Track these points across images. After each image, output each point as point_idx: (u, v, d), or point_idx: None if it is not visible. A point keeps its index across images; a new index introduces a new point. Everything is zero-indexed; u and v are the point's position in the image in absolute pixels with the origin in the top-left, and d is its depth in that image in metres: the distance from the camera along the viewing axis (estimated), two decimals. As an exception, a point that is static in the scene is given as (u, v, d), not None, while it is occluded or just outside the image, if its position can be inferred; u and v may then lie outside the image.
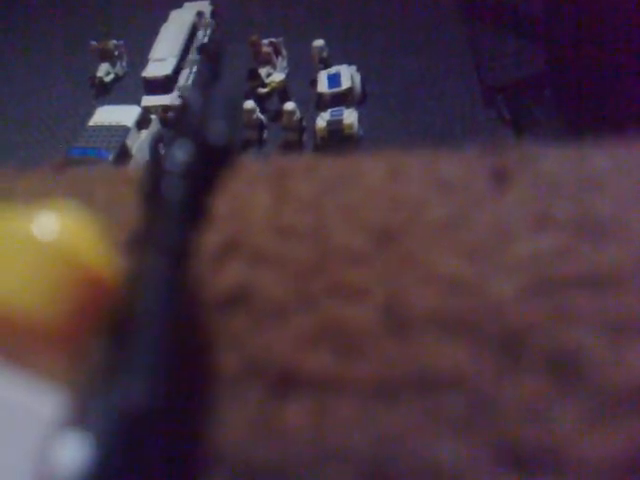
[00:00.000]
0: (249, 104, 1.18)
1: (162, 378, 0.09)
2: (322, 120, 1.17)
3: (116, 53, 1.42)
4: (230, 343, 0.12)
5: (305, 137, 1.20)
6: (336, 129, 1.17)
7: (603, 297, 0.12)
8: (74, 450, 0.08)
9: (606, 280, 0.12)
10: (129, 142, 1.17)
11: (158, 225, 0.11)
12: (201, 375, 0.12)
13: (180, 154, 0.11)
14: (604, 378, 0.11)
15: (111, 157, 1.12)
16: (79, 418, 0.08)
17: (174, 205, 0.11)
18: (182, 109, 0.13)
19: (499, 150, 0.16)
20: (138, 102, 1.29)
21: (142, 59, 1.38)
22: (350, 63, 1.26)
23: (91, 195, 0.17)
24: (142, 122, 1.22)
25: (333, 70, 1.24)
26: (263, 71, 1.29)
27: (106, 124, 1.20)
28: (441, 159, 0.16)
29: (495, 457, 0.10)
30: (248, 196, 0.16)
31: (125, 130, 1.18)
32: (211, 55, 0.15)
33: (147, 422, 0.09)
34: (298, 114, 1.18)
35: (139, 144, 1.19)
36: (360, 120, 1.18)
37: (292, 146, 1.18)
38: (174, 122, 0.13)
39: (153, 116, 1.26)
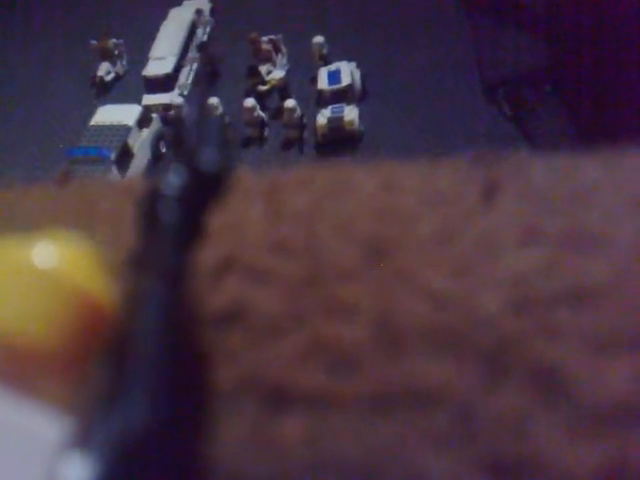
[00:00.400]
0: (249, 102, 1.18)
1: (161, 399, 0.09)
2: (323, 117, 1.17)
3: (116, 52, 1.43)
4: (225, 359, 0.13)
5: (306, 134, 1.20)
6: (337, 126, 1.17)
7: (587, 313, 0.12)
8: (78, 472, 0.08)
9: (590, 296, 0.12)
10: (130, 141, 1.17)
11: (154, 248, 0.11)
12: (196, 390, 0.12)
13: (175, 178, 0.11)
14: (586, 393, 0.11)
15: (113, 156, 1.12)
16: (82, 441, 0.09)
17: (169, 227, 0.11)
18: (177, 127, 0.13)
19: (490, 161, 0.16)
20: (139, 101, 1.30)
21: (142, 58, 1.38)
22: (350, 60, 1.26)
23: (94, 210, 0.17)
24: (143, 121, 1.23)
25: (333, 67, 1.24)
26: (263, 69, 1.29)
27: (107, 123, 1.20)
28: (433, 171, 0.16)
29: (479, 470, 0.10)
30: (242, 211, 0.16)
31: (126, 129, 1.18)
32: (207, 71, 0.15)
33: (148, 443, 0.09)
34: (299, 111, 1.18)
35: (140, 143, 1.20)
36: (361, 117, 1.18)
37: (293, 144, 1.19)
38: (171, 139, 0.13)
39: (154, 115, 1.26)
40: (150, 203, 0.11)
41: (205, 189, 0.11)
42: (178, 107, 1.22)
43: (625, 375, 0.11)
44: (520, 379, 0.11)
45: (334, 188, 0.16)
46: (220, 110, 1.20)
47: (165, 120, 1.25)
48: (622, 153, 0.15)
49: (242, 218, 0.16)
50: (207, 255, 0.14)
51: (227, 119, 1.21)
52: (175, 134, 0.13)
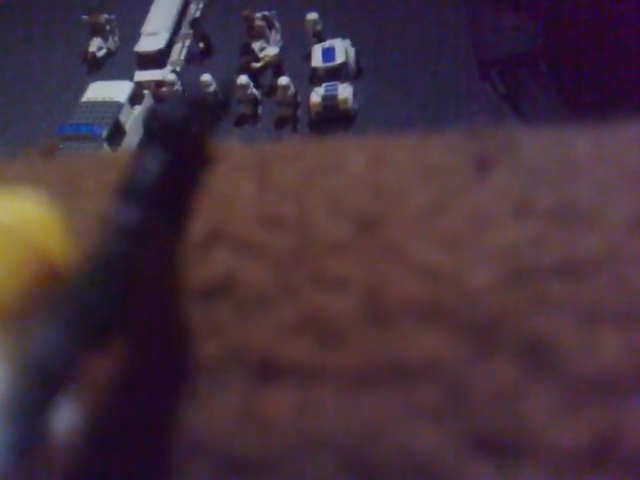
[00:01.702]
0: (243, 79, 1.17)
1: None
2: (317, 95, 1.16)
3: (108, 27, 1.41)
4: (213, 332, 0.13)
5: (299, 112, 1.19)
6: (331, 104, 1.16)
7: (577, 285, 0.12)
8: None
9: (581, 268, 0.12)
10: (122, 118, 1.16)
11: (121, 201, 0.11)
12: (183, 364, 0.12)
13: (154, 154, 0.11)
14: (575, 365, 0.11)
15: (104, 133, 1.11)
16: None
17: (140, 181, 0.11)
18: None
19: (482, 135, 0.16)
20: (131, 77, 1.28)
21: (134, 33, 1.37)
22: (344, 37, 1.25)
23: (79, 183, 0.17)
24: (135, 97, 1.22)
25: (327, 44, 1.23)
26: (256, 45, 1.28)
27: (99, 100, 1.19)
28: (424, 145, 0.16)
29: (468, 443, 0.10)
30: (232, 184, 0.16)
31: (118, 106, 1.17)
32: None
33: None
34: (292, 89, 1.18)
35: (132, 120, 1.19)
36: (355, 95, 1.18)
37: (286, 122, 1.18)
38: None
39: (146, 91, 1.25)
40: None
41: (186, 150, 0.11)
42: (170, 84, 1.21)
43: (615, 347, 0.11)
44: (510, 352, 0.11)
45: (324, 162, 0.16)
46: (213, 87, 1.19)
47: (157, 97, 1.24)
48: (614, 127, 0.15)
49: (232, 191, 0.16)
50: (196, 227, 0.14)
51: (220, 96, 1.20)
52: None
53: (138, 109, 1.20)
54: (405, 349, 0.12)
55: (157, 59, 1.28)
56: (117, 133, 1.13)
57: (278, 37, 1.32)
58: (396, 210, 0.14)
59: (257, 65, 1.26)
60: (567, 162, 0.15)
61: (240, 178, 0.16)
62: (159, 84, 1.25)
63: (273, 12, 1.32)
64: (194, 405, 0.12)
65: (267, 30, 1.29)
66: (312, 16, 1.26)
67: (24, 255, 0.11)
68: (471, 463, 0.10)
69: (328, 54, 1.20)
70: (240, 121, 1.19)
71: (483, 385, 0.11)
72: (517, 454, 0.10)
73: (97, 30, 1.39)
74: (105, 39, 1.39)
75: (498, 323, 0.12)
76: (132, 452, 0.11)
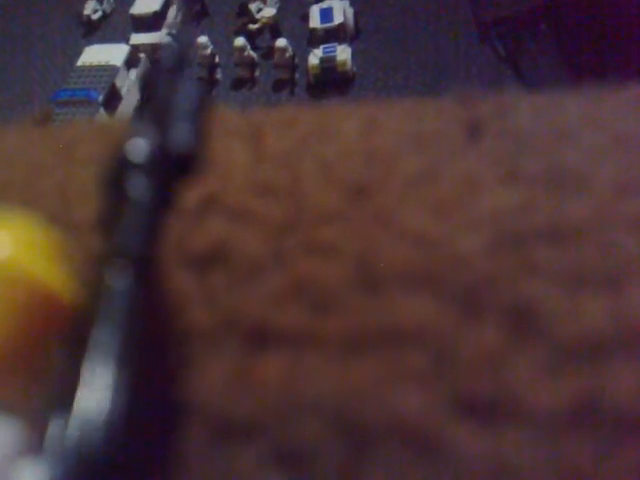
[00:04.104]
0: (240, 41, 1.15)
1: (120, 405, 0.09)
2: (315, 57, 1.15)
3: (102, -11, 1.38)
4: (207, 299, 0.13)
5: (297, 75, 1.18)
6: (329, 66, 1.15)
7: (564, 251, 0.12)
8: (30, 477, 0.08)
9: (568, 234, 0.12)
10: (118, 82, 1.15)
11: (121, 229, 0.10)
12: (177, 330, 0.12)
13: (143, 149, 0.11)
14: (561, 330, 0.11)
15: (100, 98, 1.10)
16: (37, 446, 0.08)
17: (137, 203, 0.10)
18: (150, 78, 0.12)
19: (474, 101, 0.16)
20: (127, 40, 1.26)
21: (129, -5, 1.34)
22: (342, -3, 1.22)
23: (72, 152, 0.17)
24: (131, 61, 1.20)
25: (325, 4, 1.21)
26: (253, 6, 1.26)
27: (95, 64, 1.17)
28: (417, 111, 0.16)
29: (453, 405, 0.11)
30: (225, 151, 0.16)
31: (114, 70, 1.16)
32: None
33: (105, 467, 0.08)
34: (290, 51, 1.16)
35: (129, 84, 1.17)
36: (354, 57, 1.16)
37: (284, 85, 1.17)
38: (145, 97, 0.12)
39: (142, 55, 1.23)
40: (116, 175, 0.11)
41: (174, 168, 0.11)
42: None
43: (600, 312, 0.11)
44: (497, 316, 0.12)
45: (317, 129, 0.16)
46: (210, 50, 1.17)
47: (153, 61, 1.23)
48: (605, 90, 0.15)
49: (225, 159, 0.16)
50: (189, 195, 0.14)
51: (217, 59, 1.19)
52: (147, 85, 0.12)
53: (134, 73, 1.19)
54: (394, 314, 0.12)
55: (153, 21, 1.26)
56: (113, 98, 1.12)
57: (275, -2, 1.30)
58: (388, 177, 0.14)
59: (254, 26, 1.24)
60: (557, 127, 0.15)
61: (234, 146, 0.16)
62: (155, 47, 1.23)
63: (270, -28, 1.30)
64: (189, 370, 0.12)
65: (264, -10, 1.27)
66: (309, -24, 1.24)
67: (22, 291, 0.09)
68: (456, 424, 0.11)
69: (326, 14, 1.18)
70: (237, 84, 1.17)
71: (468, 349, 0.11)
72: (501, 415, 0.11)
73: (91, -8, 1.37)
74: (100, 1, 1.37)
75: (485, 288, 0.12)
76: (127, 419, 0.11)
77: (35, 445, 0.08)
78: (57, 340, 0.09)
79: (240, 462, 0.11)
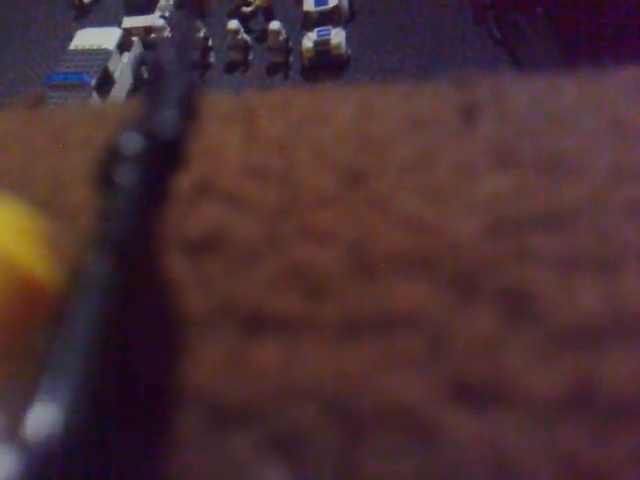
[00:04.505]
0: (233, 24, 1.15)
1: (84, 402, 0.08)
2: (309, 40, 1.14)
3: (94, -29, 1.37)
4: (201, 285, 0.13)
5: (291, 58, 1.17)
6: (323, 50, 1.14)
7: (559, 236, 0.12)
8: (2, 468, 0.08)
9: (564, 219, 0.12)
10: (111, 66, 1.14)
11: (108, 219, 0.10)
12: (172, 316, 0.12)
13: (133, 140, 0.11)
14: (555, 315, 0.11)
15: (93, 82, 1.09)
16: (10, 435, 0.08)
17: (126, 194, 0.10)
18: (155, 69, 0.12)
19: (469, 85, 0.16)
20: (119, 24, 1.25)
21: (121, -23, 1.32)
22: (337, -21, 1.21)
23: (66, 136, 0.17)
24: (124, 45, 1.19)
25: (319, -13, 1.20)
26: (247, -11, 1.25)
27: (87, 47, 1.16)
28: (412, 95, 0.16)
29: (448, 390, 0.11)
30: (219, 136, 0.16)
31: (107, 53, 1.15)
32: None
33: (71, 445, 0.08)
34: (284, 34, 1.15)
35: (121, 68, 1.16)
36: (348, 40, 1.15)
37: (278, 68, 1.16)
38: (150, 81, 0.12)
39: (135, 38, 1.22)
40: (106, 165, 0.11)
41: (165, 154, 0.11)
42: (159, 30, 1.19)
43: (596, 297, 0.11)
44: (492, 302, 0.12)
45: (312, 113, 0.16)
46: (202, 32, 1.16)
47: (146, 44, 1.21)
48: (601, 74, 0.15)
49: (219, 143, 0.16)
50: (183, 181, 0.14)
51: (210, 42, 1.18)
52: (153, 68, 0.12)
53: (127, 57, 1.18)
54: (390, 299, 0.12)
55: (145, 4, 1.25)
56: (106, 81, 1.12)
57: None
58: (382, 162, 0.14)
59: (247, 9, 1.23)
60: (553, 111, 0.15)
61: (227, 130, 0.16)
62: (148, 30, 1.22)
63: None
64: (184, 357, 0.12)
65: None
66: (303, -43, 1.23)
67: (2, 278, 0.09)
68: (451, 409, 0.11)
69: (320, -3, 1.17)
70: (230, 68, 1.17)
71: (463, 334, 0.11)
72: (495, 400, 0.11)
73: (83, -26, 1.35)
74: (91, -17, 1.36)
75: (481, 273, 0.12)
76: (123, 405, 0.11)
77: (11, 432, 0.08)
78: (39, 325, 0.09)
79: (235, 448, 0.11)
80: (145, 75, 1.19)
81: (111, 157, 0.11)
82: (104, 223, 0.10)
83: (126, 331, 0.10)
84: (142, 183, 0.10)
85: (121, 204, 0.10)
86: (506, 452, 0.10)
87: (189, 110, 0.11)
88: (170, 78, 0.12)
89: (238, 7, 1.24)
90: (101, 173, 0.11)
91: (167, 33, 1.19)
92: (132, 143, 0.11)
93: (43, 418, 0.08)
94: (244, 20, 1.21)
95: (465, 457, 0.10)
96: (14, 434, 0.08)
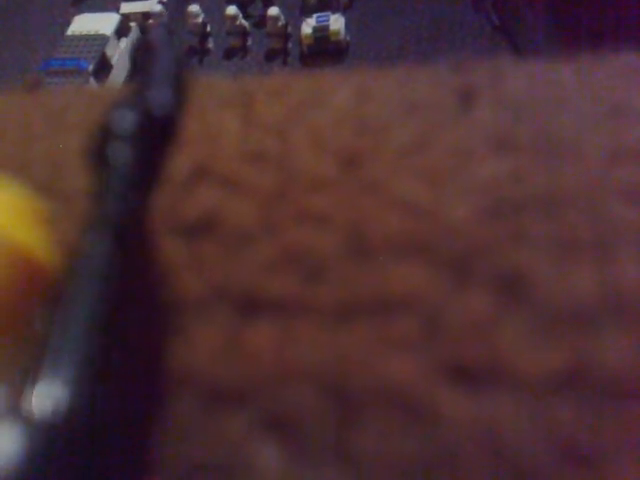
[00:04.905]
0: (231, 9, 1.14)
1: (85, 383, 0.09)
2: (307, 26, 1.13)
3: (91, -45, 1.36)
4: (197, 268, 0.13)
5: (290, 44, 1.16)
6: (322, 36, 1.13)
7: (555, 219, 0.12)
8: (7, 441, 0.08)
9: (559, 202, 0.12)
10: (109, 52, 1.13)
11: (101, 197, 0.10)
12: (168, 298, 0.12)
13: (126, 118, 0.11)
14: (549, 298, 0.11)
15: (91, 68, 1.09)
16: (13, 412, 0.08)
17: (119, 172, 0.10)
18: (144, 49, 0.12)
19: (467, 69, 0.16)
20: (117, 9, 1.24)
21: (119, -39, 1.31)
22: (336, -36, 1.20)
23: (64, 118, 0.17)
24: (121, 30, 1.18)
25: (318, -28, 1.19)
26: (245, -26, 1.24)
27: (84, 33, 1.16)
28: (409, 79, 0.16)
29: (443, 371, 0.11)
30: (216, 120, 0.16)
31: (104, 39, 1.14)
32: None
33: (73, 423, 0.08)
34: (283, 20, 1.14)
35: (119, 53, 1.16)
36: (347, 26, 1.15)
37: (277, 54, 1.15)
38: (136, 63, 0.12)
39: (133, 24, 1.21)
40: (100, 144, 0.11)
41: (158, 131, 0.11)
42: (157, 15, 1.18)
43: (589, 280, 0.11)
44: (488, 284, 0.12)
45: (309, 98, 0.16)
46: (201, 18, 1.16)
47: (144, 30, 1.21)
48: (599, 59, 0.15)
49: (216, 127, 0.16)
50: (180, 164, 0.14)
51: (209, 28, 1.17)
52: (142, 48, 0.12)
53: (125, 42, 1.17)
54: (385, 282, 0.12)
55: (143, -11, 1.24)
56: (104, 67, 1.11)
57: (268, -35, 1.28)
58: (380, 146, 0.14)
59: (246, -5, 1.22)
60: (551, 95, 0.15)
61: (225, 114, 0.16)
62: (146, 16, 1.21)
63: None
64: (180, 339, 0.12)
65: (256, -43, 1.25)
66: (303, -58, 1.22)
67: (4, 260, 0.09)
68: (445, 390, 0.11)
69: (319, -18, 1.16)
70: (229, 53, 1.16)
71: (460, 316, 0.11)
72: (488, 381, 0.11)
73: (80, -42, 1.34)
74: (89, -32, 1.35)
75: (476, 256, 0.12)
76: (118, 387, 0.11)
77: (14, 410, 0.08)
78: (38, 304, 0.09)
79: (230, 429, 0.11)
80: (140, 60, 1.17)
81: (104, 136, 0.11)
82: (99, 202, 0.10)
83: (123, 310, 0.10)
84: (135, 160, 0.10)
85: (115, 182, 0.10)
86: (502, 432, 0.10)
87: (180, 86, 0.12)
88: (160, 56, 0.12)
89: (236, -8, 1.23)
90: (94, 152, 0.11)
91: (165, 19, 1.18)
92: (124, 121, 0.11)
93: (47, 395, 0.08)
94: (243, 6, 1.20)
95: (461, 437, 0.10)
96: (18, 411, 0.08)
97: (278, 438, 0.11)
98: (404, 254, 0.12)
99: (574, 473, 0.10)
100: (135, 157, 0.11)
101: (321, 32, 1.12)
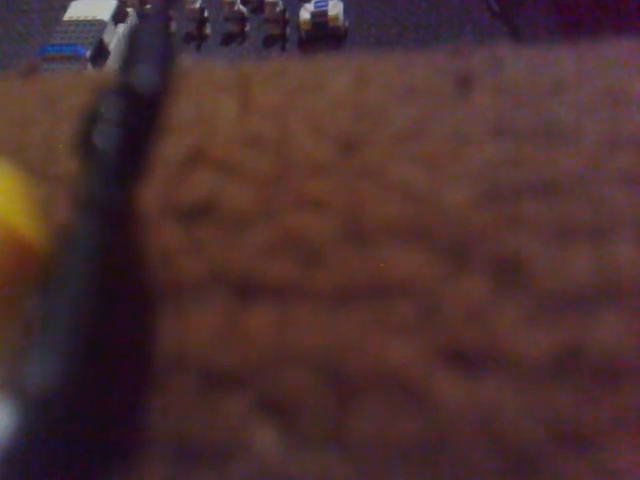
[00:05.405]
0: (230, -5, 1.13)
1: (75, 357, 0.09)
2: (306, 12, 1.12)
3: (87, -60, 1.34)
4: (195, 252, 0.13)
5: (288, 30, 1.16)
6: (320, 22, 1.12)
7: (553, 204, 0.12)
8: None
9: (557, 188, 0.12)
10: (106, 37, 1.12)
11: (89, 179, 0.10)
12: (164, 282, 0.12)
13: (114, 101, 0.11)
14: (546, 282, 0.11)
15: (88, 53, 1.08)
16: (8, 382, 0.08)
17: (106, 155, 0.11)
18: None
19: (465, 54, 0.16)
20: (114, -6, 1.23)
21: (115, -54, 1.30)
22: (334, -51, 1.19)
23: (60, 103, 0.17)
24: (119, 16, 1.17)
25: (316, -43, 1.18)
26: (243, -41, 1.23)
27: (81, 19, 1.15)
28: (408, 64, 0.16)
29: (439, 355, 0.11)
30: (213, 104, 0.16)
31: (101, 25, 1.13)
32: None
33: (56, 404, 0.08)
34: (281, 5, 1.14)
35: (117, 39, 1.15)
36: (346, 12, 1.14)
37: (275, 40, 1.15)
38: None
39: (130, 9, 1.20)
40: (87, 128, 0.11)
41: (144, 110, 0.11)
42: (154, 1, 1.17)
43: (585, 264, 0.11)
44: (484, 269, 0.12)
45: (307, 82, 0.16)
46: (198, 3, 1.15)
47: (142, 15, 1.20)
48: (598, 45, 0.15)
49: (213, 111, 0.15)
50: (177, 148, 0.14)
51: (206, 13, 1.17)
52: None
53: (122, 28, 1.16)
54: (381, 267, 0.12)
55: (141, -26, 1.23)
56: (101, 53, 1.10)
57: (266, -50, 1.27)
58: (377, 131, 0.14)
59: (244, -20, 1.22)
60: (549, 81, 0.15)
61: (222, 98, 0.16)
62: (143, 1, 1.21)
63: None
64: (177, 322, 0.12)
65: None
66: None
67: None
68: (442, 374, 0.11)
69: (318, -32, 1.15)
70: (227, 39, 1.15)
71: (456, 301, 0.11)
72: (484, 365, 0.11)
73: (76, -58, 1.33)
74: (85, -47, 1.34)
75: (473, 241, 0.12)
76: (114, 369, 0.11)
77: (8, 382, 0.08)
78: (28, 285, 0.10)
79: (228, 412, 0.11)
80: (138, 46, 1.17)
81: (90, 119, 0.11)
82: (87, 184, 0.10)
83: (120, 294, 0.10)
84: (122, 142, 0.11)
85: (102, 164, 0.10)
86: (499, 416, 0.10)
87: (166, 64, 0.11)
88: (145, 35, 0.12)
89: (234, -23, 1.22)
90: (81, 136, 0.11)
91: (162, 4, 1.17)
92: (110, 103, 0.11)
93: (38, 371, 0.08)
94: (240, -9, 1.19)
95: (459, 421, 0.10)
96: (11, 385, 0.08)
97: (276, 421, 0.11)
98: (402, 239, 0.12)
99: (572, 456, 0.10)
100: (121, 139, 0.11)
101: (319, 18, 1.12)
